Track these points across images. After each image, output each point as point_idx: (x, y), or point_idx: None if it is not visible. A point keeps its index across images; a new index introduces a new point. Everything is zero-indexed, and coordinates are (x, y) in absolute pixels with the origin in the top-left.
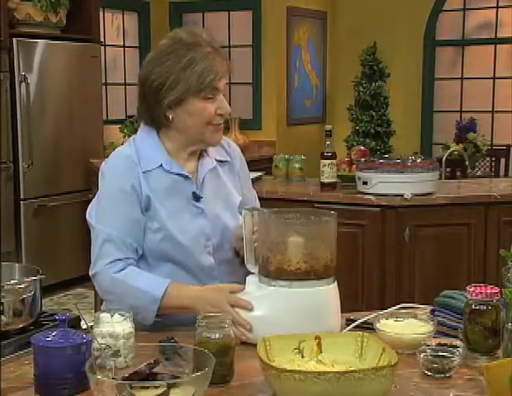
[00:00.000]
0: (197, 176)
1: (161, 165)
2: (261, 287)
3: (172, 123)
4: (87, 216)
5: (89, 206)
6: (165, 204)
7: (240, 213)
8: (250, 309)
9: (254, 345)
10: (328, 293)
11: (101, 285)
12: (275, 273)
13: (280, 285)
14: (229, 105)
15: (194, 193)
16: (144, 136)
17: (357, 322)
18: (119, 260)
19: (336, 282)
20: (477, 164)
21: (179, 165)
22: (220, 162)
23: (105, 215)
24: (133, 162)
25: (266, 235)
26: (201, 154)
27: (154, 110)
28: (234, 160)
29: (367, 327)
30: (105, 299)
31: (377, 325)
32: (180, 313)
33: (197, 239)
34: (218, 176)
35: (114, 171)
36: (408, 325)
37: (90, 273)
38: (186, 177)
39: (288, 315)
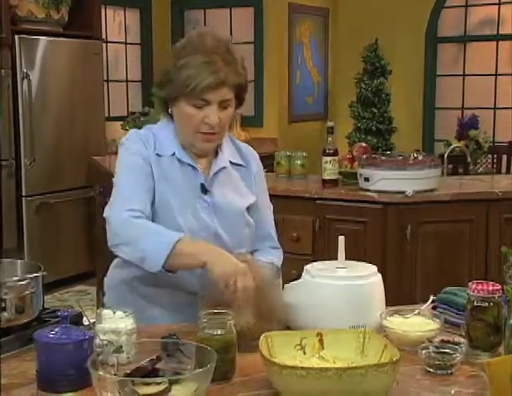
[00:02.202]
0: (209, 172)
1: (174, 153)
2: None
3: (174, 119)
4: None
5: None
6: (175, 193)
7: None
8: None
9: (256, 342)
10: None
11: (115, 224)
12: None
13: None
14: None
15: (202, 185)
16: (162, 125)
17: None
18: (137, 210)
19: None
20: (479, 161)
21: (191, 157)
22: (234, 164)
23: (125, 182)
24: (148, 141)
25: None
26: (216, 153)
27: (158, 99)
28: (251, 165)
29: None
30: (114, 245)
31: (384, 322)
32: (188, 267)
33: (201, 233)
34: (230, 176)
35: (136, 140)
36: (414, 322)
37: (104, 214)
38: (195, 169)
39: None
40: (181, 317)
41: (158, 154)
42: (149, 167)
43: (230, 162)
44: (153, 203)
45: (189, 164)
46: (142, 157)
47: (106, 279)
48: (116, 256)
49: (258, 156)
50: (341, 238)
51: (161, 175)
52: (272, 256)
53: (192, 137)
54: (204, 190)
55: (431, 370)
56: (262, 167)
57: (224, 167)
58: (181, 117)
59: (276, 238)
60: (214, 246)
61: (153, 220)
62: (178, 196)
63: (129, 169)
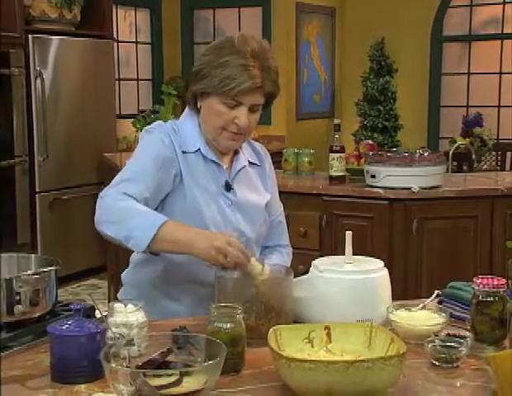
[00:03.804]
0: (231, 169)
1: (199, 149)
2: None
3: (200, 112)
4: None
5: None
6: (201, 189)
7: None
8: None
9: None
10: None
11: (105, 203)
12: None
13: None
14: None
15: (227, 182)
16: (187, 119)
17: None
18: (131, 195)
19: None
20: (483, 158)
21: (215, 154)
22: (252, 164)
23: (133, 165)
24: (174, 136)
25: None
26: (236, 151)
27: (186, 90)
28: (265, 165)
29: None
30: (102, 222)
31: (390, 316)
32: (171, 252)
33: (225, 229)
34: (249, 175)
35: (161, 130)
36: (420, 316)
37: (99, 195)
38: (219, 166)
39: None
40: (203, 312)
41: (183, 152)
42: (172, 159)
43: (249, 162)
44: (182, 199)
45: (213, 161)
46: (164, 146)
47: (125, 275)
48: (130, 254)
49: (270, 156)
50: (348, 234)
51: (188, 172)
52: (282, 255)
53: (218, 133)
54: (228, 187)
55: (437, 363)
56: (273, 167)
57: (244, 166)
58: (210, 112)
59: (286, 236)
60: (194, 228)
61: (182, 217)
62: (204, 192)
63: (143, 154)
